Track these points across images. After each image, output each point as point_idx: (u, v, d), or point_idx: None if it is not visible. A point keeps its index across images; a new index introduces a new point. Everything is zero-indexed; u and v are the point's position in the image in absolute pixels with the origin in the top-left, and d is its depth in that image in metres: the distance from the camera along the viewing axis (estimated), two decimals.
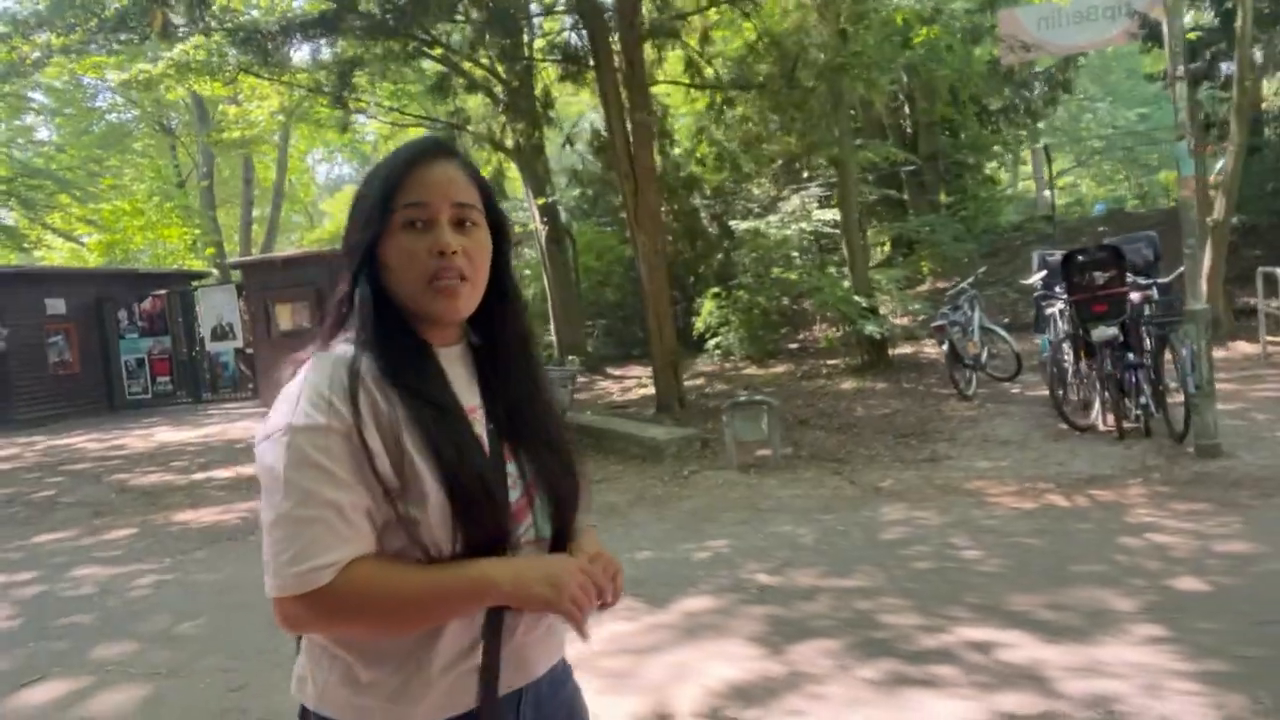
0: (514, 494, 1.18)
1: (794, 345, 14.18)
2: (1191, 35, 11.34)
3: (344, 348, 1.15)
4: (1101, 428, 7.12)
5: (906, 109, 18.37)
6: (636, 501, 6.55)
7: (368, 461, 1.07)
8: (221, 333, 17.34)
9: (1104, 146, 29.94)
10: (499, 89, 10.59)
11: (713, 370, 13.21)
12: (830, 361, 12.25)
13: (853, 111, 16.27)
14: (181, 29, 8.53)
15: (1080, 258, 6.83)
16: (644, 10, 8.81)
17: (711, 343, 13.58)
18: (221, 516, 7.15)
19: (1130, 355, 6.77)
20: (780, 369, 12.50)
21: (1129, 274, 6.81)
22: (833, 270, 12.65)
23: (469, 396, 1.20)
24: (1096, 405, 7.20)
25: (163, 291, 17.76)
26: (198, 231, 25.32)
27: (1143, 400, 6.71)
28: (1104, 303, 6.72)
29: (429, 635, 1.11)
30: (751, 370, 12.77)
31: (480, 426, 1.18)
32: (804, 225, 14.52)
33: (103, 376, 17.50)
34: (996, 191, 22.25)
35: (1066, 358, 7.38)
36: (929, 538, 5.04)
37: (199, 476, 8.97)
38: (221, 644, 4.24)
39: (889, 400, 9.36)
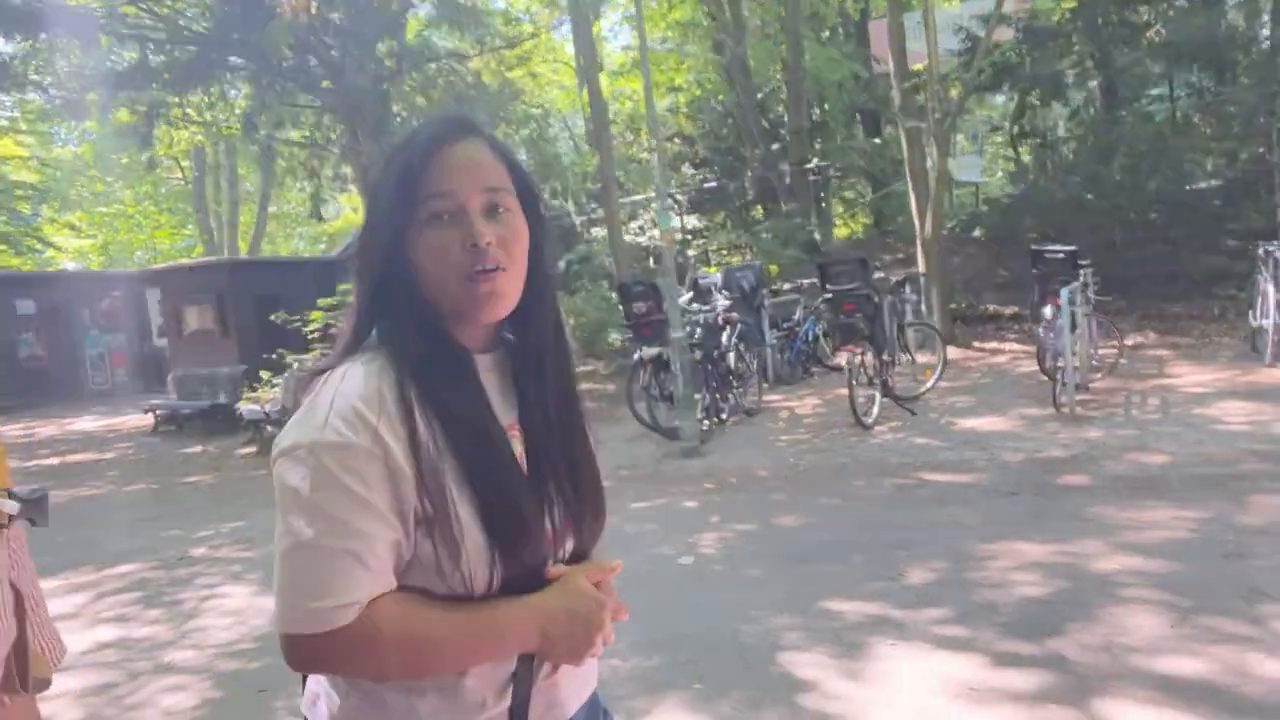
0: (550, 520, 1.11)
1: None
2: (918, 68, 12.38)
3: (377, 358, 1.05)
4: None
5: (785, 118, 19.48)
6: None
7: (413, 488, 0.98)
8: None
9: None
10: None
11: None
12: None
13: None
14: None
15: (628, 290, 8.23)
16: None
17: None
18: None
19: (701, 370, 8.16)
20: (584, 369, 13.97)
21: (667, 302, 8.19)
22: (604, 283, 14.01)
23: (506, 411, 1.12)
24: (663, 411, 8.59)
25: (117, 293, 20.25)
26: (186, 232, 27.76)
27: (672, 410, 8.10)
28: (647, 328, 8.11)
29: (456, 675, 1.04)
30: None
31: (518, 445, 1.12)
32: (655, 235, 15.99)
33: (69, 369, 20.09)
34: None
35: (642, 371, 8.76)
36: None
37: (30, 463, 11.03)
38: None
39: (600, 402, 10.78)
